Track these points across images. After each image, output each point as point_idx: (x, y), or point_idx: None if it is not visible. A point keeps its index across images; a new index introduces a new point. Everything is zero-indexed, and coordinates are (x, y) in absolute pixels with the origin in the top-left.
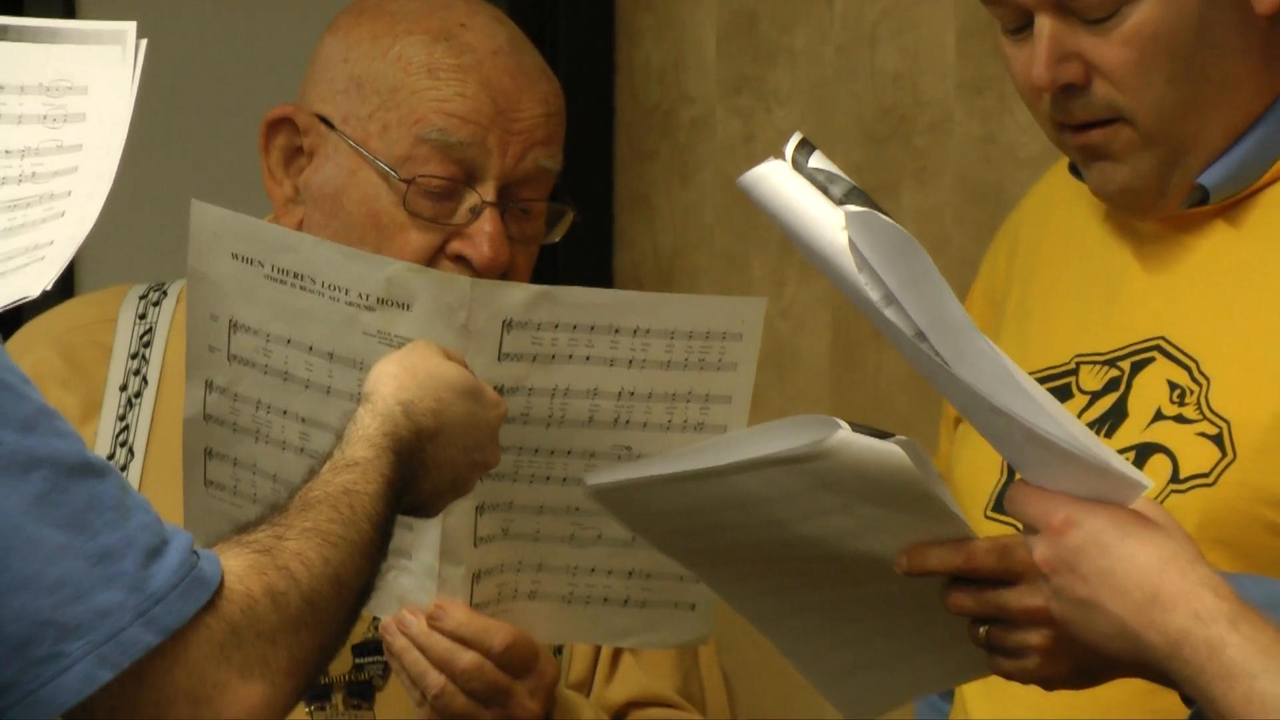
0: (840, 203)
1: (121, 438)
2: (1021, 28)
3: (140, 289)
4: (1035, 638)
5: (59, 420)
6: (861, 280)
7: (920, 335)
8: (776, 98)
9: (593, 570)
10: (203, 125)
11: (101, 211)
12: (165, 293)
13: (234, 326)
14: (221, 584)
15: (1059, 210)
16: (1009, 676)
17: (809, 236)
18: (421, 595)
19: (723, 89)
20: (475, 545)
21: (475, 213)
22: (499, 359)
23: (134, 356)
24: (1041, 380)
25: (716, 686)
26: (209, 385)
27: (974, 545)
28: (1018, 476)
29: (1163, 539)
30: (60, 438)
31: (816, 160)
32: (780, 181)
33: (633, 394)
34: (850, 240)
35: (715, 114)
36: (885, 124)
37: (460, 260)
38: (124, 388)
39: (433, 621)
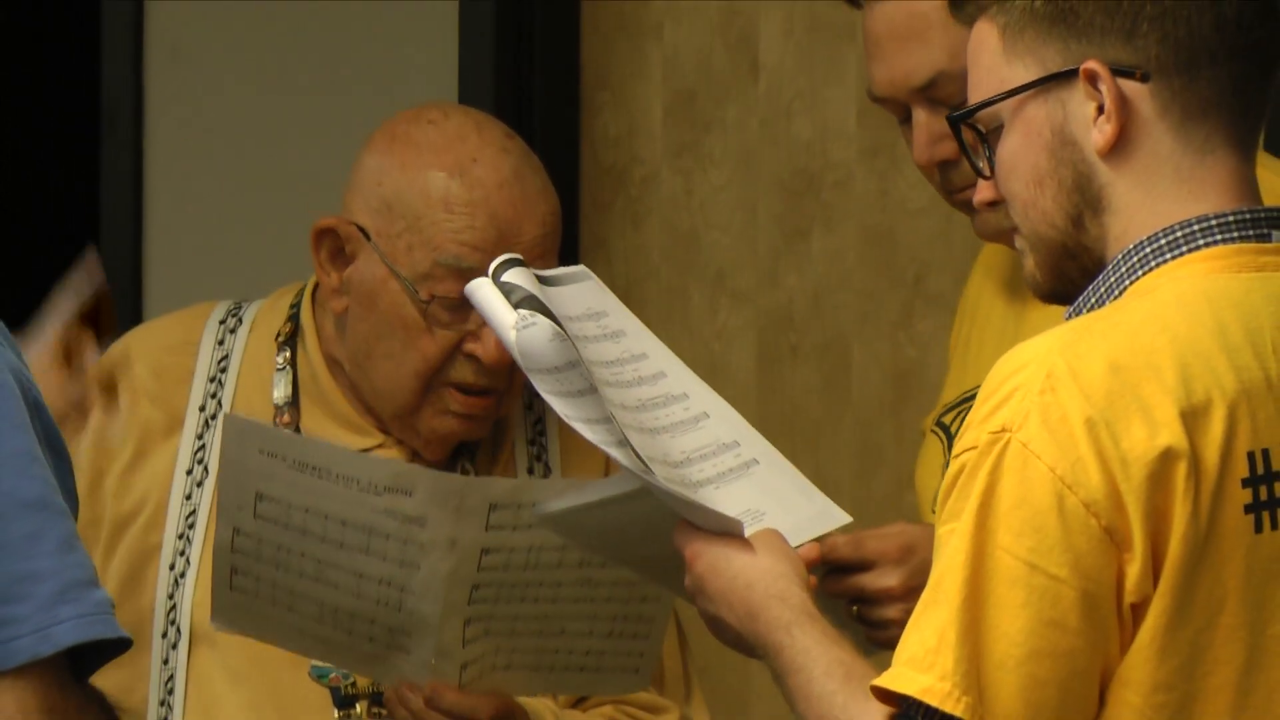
0: (516, 308)
1: (199, 455)
2: (906, 118)
3: (220, 312)
4: (893, 611)
5: (35, 465)
6: (528, 364)
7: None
8: (711, 159)
9: (555, 651)
10: (259, 162)
11: (167, 234)
12: (240, 320)
13: (259, 497)
14: (123, 646)
15: (996, 259)
16: (884, 646)
17: (499, 332)
18: (418, 678)
19: (667, 152)
20: (463, 646)
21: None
22: (486, 529)
23: (212, 380)
24: (974, 397)
25: (673, 651)
26: (236, 530)
27: (832, 541)
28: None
29: (756, 562)
30: (27, 478)
31: (508, 275)
32: (482, 292)
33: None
34: (517, 336)
35: (661, 173)
36: (800, 181)
37: (471, 358)
38: (203, 408)
39: (430, 703)
